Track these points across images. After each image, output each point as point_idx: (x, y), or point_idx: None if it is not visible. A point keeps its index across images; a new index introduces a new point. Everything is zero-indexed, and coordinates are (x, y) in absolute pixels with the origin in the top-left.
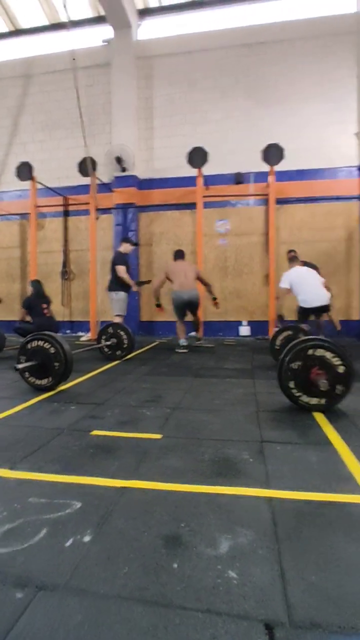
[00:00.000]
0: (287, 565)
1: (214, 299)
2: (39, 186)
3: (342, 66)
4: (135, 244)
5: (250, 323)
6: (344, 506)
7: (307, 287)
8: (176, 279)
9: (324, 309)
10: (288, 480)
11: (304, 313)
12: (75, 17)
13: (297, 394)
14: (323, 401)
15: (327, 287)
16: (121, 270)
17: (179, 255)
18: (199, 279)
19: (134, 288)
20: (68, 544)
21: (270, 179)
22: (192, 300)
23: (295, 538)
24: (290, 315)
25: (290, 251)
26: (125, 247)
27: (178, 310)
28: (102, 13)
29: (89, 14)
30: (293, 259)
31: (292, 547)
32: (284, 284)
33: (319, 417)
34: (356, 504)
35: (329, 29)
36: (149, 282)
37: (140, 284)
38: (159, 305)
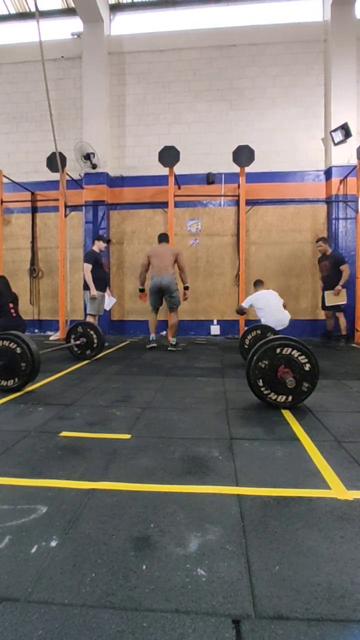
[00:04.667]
0: (253, 557)
1: (185, 287)
2: (5, 180)
3: (310, 73)
4: (108, 241)
5: (220, 322)
6: (310, 500)
7: (269, 311)
8: (154, 262)
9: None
10: (256, 476)
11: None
12: (44, 7)
13: (265, 392)
14: (290, 398)
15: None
16: (86, 269)
17: (162, 238)
18: (177, 262)
19: (92, 292)
20: (32, 551)
21: (241, 180)
22: (163, 286)
23: (262, 531)
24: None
25: (257, 280)
26: (99, 246)
27: (152, 296)
28: (72, 5)
29: (58, 5)
30: (257, 283)
31: (258, 540)
32: (245, 304)
33: (286, 414)
34: (321, 498)
35: (298, 35)
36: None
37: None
38: (142, 290)
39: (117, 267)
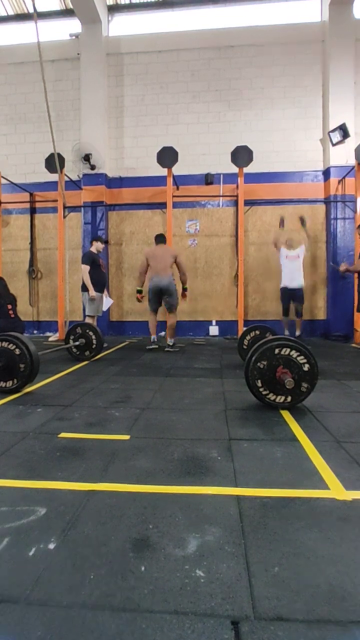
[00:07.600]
0: (252, 558)
1: (184, 289)
2: (4, 181)
3: (309, 74)
4: (105, 242)
5: (219, 323)
6: (309, 501)
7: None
8: (152, 264)
9: (296, 293)
10: (255, 477)
11: (283, 294)
12: (42, 8)
13: (264, 392)
14: (289, 399)
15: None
16: (84, 270)
17: (159, 239)
18: (177, 263)
19: (91, 293)
20: (31, 553)
21: (239, 180)
22: (162, 287)
23: (261, 532)
24: (257, 316)
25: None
26: (97, 246)
27: (151, 297)
28: (70, 6)
29: (56, 6)
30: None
31: (257, 541)
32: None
33: (285, 414)
34: (320, 498)
35: (296, 36)
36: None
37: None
38: (139, 292)
39: (115, 267)
